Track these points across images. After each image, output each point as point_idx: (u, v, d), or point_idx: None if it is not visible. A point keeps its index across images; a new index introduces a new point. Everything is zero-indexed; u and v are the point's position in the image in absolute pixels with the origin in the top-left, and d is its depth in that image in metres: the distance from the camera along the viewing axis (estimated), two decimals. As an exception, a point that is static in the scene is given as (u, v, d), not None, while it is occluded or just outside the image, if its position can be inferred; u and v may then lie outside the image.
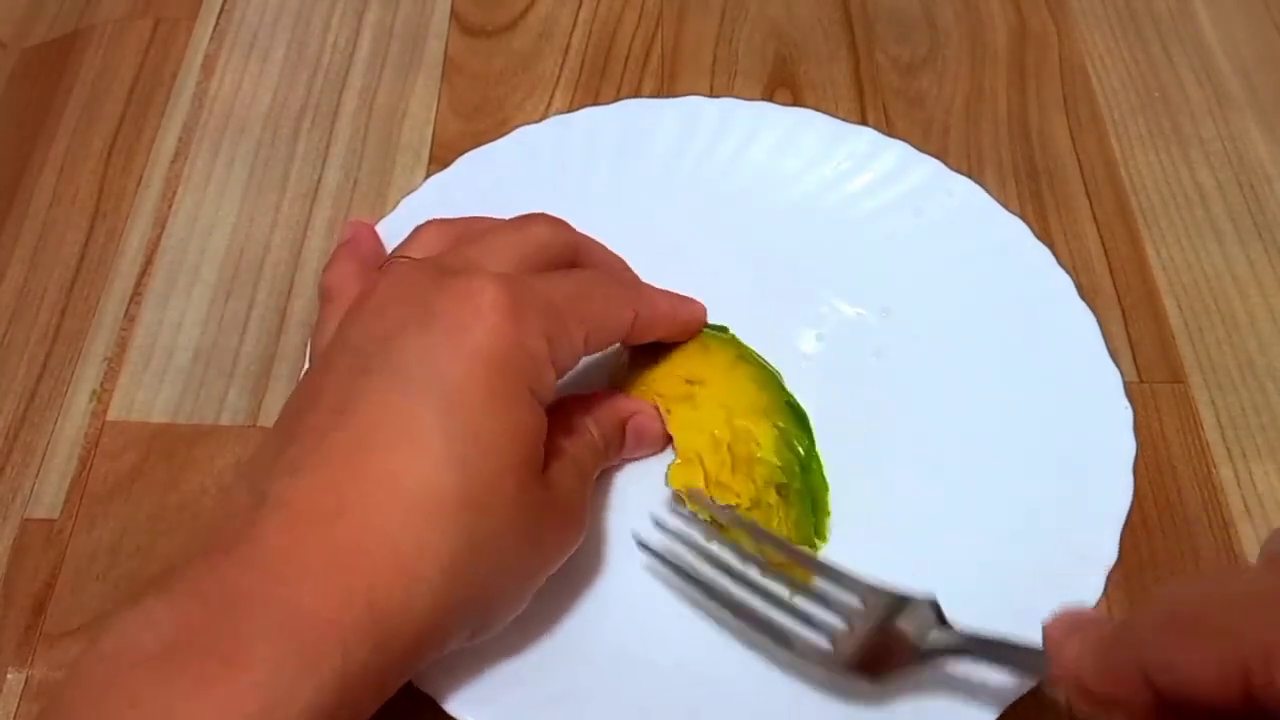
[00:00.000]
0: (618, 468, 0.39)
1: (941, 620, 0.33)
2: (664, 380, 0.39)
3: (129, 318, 0.44)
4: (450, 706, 0.33)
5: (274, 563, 0.28)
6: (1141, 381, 0.42)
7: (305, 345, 0.42)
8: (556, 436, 0.34)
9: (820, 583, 0.34)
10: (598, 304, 0.35)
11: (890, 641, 0.33)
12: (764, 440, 0.38)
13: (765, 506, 0.37)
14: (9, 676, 0.36)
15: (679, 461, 0.38)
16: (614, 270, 0.39)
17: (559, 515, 0.33)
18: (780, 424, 0.38)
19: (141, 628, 0.27)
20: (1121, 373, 0.40)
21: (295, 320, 0.44)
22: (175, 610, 0.27)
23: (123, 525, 0.39)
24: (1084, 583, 0.36)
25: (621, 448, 0.38)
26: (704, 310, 0.40)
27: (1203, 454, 0.41)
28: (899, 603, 0.33)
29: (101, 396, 0.42)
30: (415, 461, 0.29)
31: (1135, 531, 0.38)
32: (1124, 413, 0.39)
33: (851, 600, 0.34)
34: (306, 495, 0.29)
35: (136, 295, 0.44)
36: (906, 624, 0.33)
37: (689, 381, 0.39)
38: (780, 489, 0.37)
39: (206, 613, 0.27)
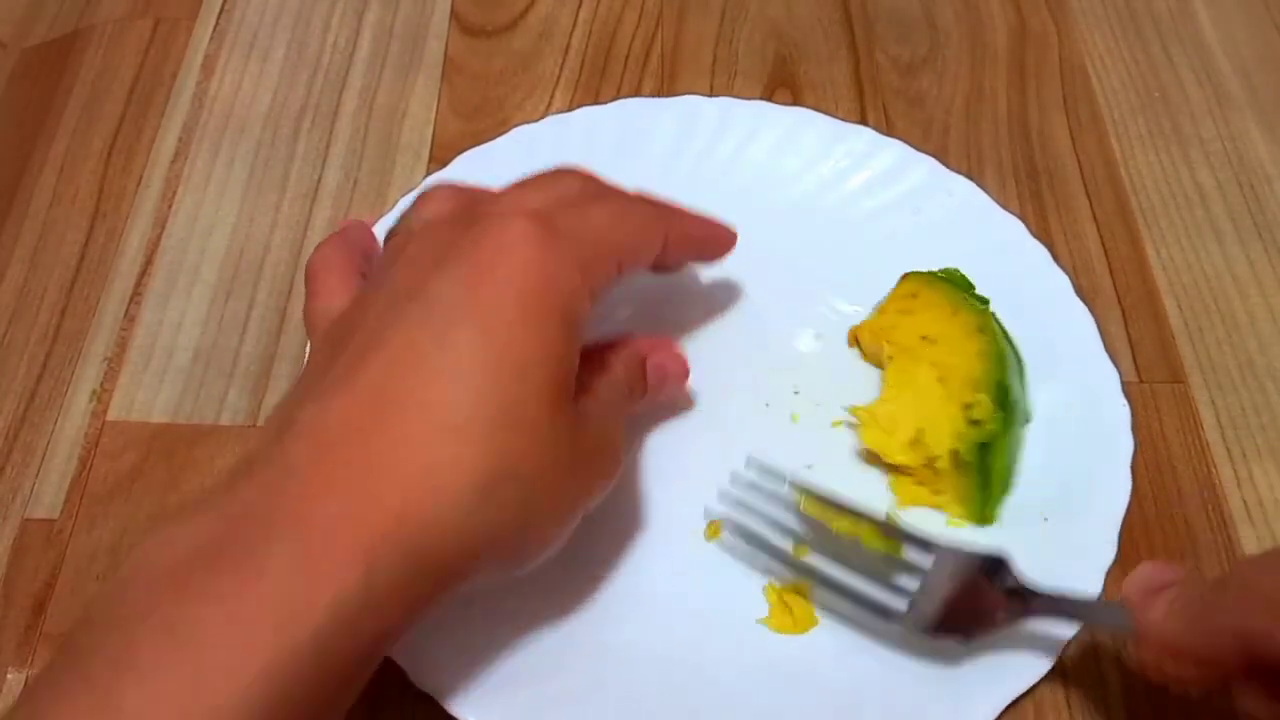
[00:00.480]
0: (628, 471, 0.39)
1: (1016, 581, 0.34)
2: (903, 330, 0.40)
3: (129, 318, 0.44)
4: (452, 707, 0.33)
5: (298, 479, 0.27)
6: (1141, 381, 0.42)
7: (305, 345, 0.42)
8: (585, 373, 0.33)
9: (899, 547, 0.35)
10: (629, 230, 0.35)
11: (969, 602, 0.34)
12: (958, 411, 0.38)
13: (936, 470, 0.38)
14: (9, 676, 0.36)
15: (872, 418, 0.39)
16: (639, 196, 0.38)
17: (592, 445, 0.32)
18: (982, 400, 0.38)
19: (161, 547, 0.27)
20: (1119, 371, 0.40)
21: (295, 320, 0.44)
22: (195, 529, 0.27)
23: (123, 525, 0.39)
24: (1084, 581, 0.36)
25: (645, 389, 0.37)
26: (734, 234, 0.39)
27: (1203, 454, 0.41)
28: (976, 563, 0.34)
29: (101, 396, 0.42)
30: (448, 382, 0.29)
31: (1135, 531, 0.38)
32: (1122, 411, 0.39)
33: (927, 563, 0.35)
34: (336, 417, 0.29)
35: (136, 295, 0.44)
36: (986, 585, 0.34)
37: (923, 338, 0.39)
38: (954, 456, 0.37)
39: (225, 528, 0.27)
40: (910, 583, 0.35)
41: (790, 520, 0.37)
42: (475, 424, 0.28)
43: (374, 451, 0.28)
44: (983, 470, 0.37)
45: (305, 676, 0.25)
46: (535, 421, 0.30)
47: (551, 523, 0.32)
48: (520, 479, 0.29)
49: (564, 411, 0.31)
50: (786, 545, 0.37)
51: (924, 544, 0.35)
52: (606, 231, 0.34)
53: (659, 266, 0.37)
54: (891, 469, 0.39)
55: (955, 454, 0.37)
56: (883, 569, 0.35)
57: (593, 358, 0.35)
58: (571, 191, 0.35)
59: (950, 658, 0.35)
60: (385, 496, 0.27)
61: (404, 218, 0.36)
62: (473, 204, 0.35)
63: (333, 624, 0.26)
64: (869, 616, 0.35)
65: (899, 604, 0.35)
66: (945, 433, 0.37)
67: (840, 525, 0.36)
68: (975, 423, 0.37)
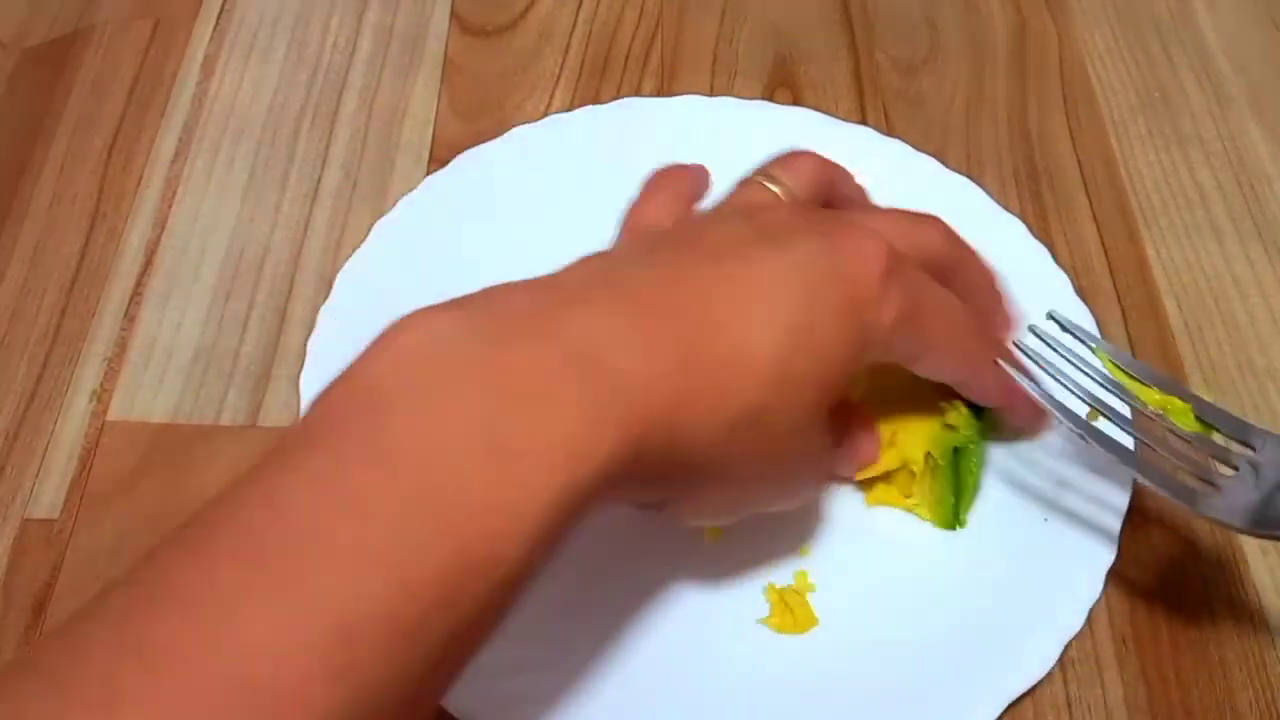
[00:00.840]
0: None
1: None
2: None
3: (129, 318, 0.44)
4: (450, 704, 0.33)
5: (598, 326, 0.27)
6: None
7: (305, 345, 0.41)
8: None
9: (1211, 428, 0.33)
10: (957, 338, 0.34)
11: None
12: (934, 416, 0.38)
13: (910, 473, 0.38)
14: (9, 676, 0.36)
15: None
16: (982, 330, 0.36)
17: (812, 457, 0.33)
18: (958, 405, 0.38)
19: (452, 330, 0.26)
20: (1121, 372, 0.40)
21: (295, 320, 0.43)
22: (480, 323, 0.26)
23: (123, 525, 0.39)
24: (1084, 582, 0.36)
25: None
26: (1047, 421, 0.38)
27: (1202, 454, 0.41)
28: None
29: (101, 396, 0.42)
30: (757, 326, 0.29)
31: (1135, 531, 0.38)
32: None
33: (1245, 449, 0.32)
34: (646, 287, 0.29)
35: (136, 295, 0.44)
36: None
37: None
38: (928, 460, 0.37)
39: (519, 336, 0.26)
40: (1221, 469, 0.32)
41: (1088, 384, 0.35)
42: (762, 369, 0.29)
43: (675, 326, 0.28)
44: (955, 475, 0.37)
45: (571, 515, 0.25)
46: (804, 398, 0.30)
47: (734, 489, 0.32)
48: (750, 438, 0.30)
49: (815, 413, 0.31)
50: (1079, 409, 0.35)
51: (1245, 429, 0.33)
52: (939, 315, 0.33)
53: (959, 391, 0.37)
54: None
55: (929, 458, 0.37)
56: (1196, 449, 0.33)
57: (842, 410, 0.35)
58: (934, 245, 0.35)
59: (950, 656, 0.35)
60: (676, 380, 0.27)
61: (764, 169, 0.36)
62: (835, 192, 0.37)
63: (598, 478, 0.26)
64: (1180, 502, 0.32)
65: (1209, 489, 0.32)
66: (920, 437, 0.37)
67: (1149, 397, 0.35)
68: (950, 428, 0.37)
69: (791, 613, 0.36)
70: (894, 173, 0.45)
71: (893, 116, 0.50)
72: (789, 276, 0.30)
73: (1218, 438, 0.33)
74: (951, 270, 0.36)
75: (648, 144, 0.46)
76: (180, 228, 0.46)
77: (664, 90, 0.51)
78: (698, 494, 0.31)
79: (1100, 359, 0.35)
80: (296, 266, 0.45)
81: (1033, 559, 0.36)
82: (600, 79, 0.51)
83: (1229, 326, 0.44)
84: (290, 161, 0.48)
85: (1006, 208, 0.45)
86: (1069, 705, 0.35)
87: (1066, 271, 0.43)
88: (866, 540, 0.38)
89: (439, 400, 0.25)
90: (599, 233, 0.42)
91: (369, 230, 0.44)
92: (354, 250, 0.43)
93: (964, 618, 0.36)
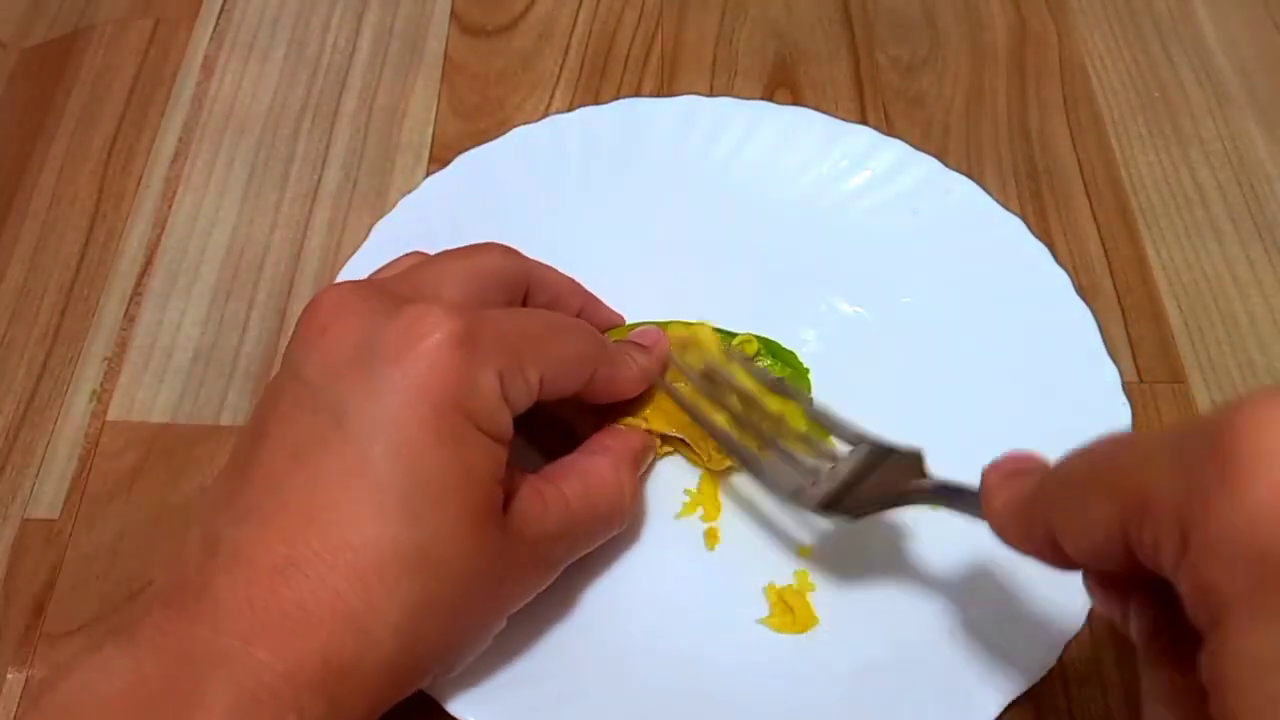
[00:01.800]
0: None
1: (922, 472, 0.34)
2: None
3: (129, 318, 0.44)
4: (452, 707, 0.33)
5: (228, 618, 0.27)
6: (1141, 381, 0.42)
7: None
8: (554, 481, 0.33)
9: (815, 426, 0.37)
10: (558, 347, 0.33)
11: (868, 485, 0.34)
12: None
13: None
14: (9, 676, 0.36)
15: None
16: (577, 322, 0.37)
17: (522, 559, 0.32)
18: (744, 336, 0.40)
19: (101, 676, 0.27)
20: (1119, 371, 0.40)
21: (295, 320, 0.43)
22: (133, 661, 0.27)
23: (123, 525, 0.39)
24: (1082, 580, 0.36)
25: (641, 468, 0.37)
26: (650, 379, 0.38)
27: (1202, 454, 0.41)
28: (886, 451, 0.34)
29: (101, 396, 0.42)
30: (366, 515, 0.28)
31: (1135, 531, 0.38)
32: (1122, 410, 0.39)
33: (840, 445, 0.35)
34: (259, 547, 0.28)
35: (136, 295, 0.44)
36: (889, 471, 0.34)
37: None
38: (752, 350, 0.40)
39: (163, 666, 0.27)
40: (823, 465, 0.35)
41: (725, 394, 0.37)
42: (393, 562, 0.28)
43: (295, 591, 0.28)
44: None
45: None
46: (456, 552, 0.29)
47: (476, 639, 0.32)
48: (442, 608, 0.29)
49: (486, 534, 0.30)
50: (717, 417, 0.37)
51: (844, 431, 0.35)
52: (534, 340, 0.32)
53: (585, 397, 0.36)
54: None
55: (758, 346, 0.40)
56: (802, 450, 0.36)
57: (574, 464, 0.35)
58: (493, 269, 0.34)
59: (950, 656, 0.35)
60: (310, 641, 0.27)
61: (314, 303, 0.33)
62: (388, 287, 0.33)
63: None
64: (774, 489, 0.36)
65: (802, 480, 0.35)
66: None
67: (772, 403, 0.37)
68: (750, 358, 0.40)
69: (791, 613, 0.36)
70: (894, 173, 0.45)
71: (893, 116, 0.50)
72: (364, 453, 0.29)
73: (834, 440, 0.36)
74: (526, 283, 0.36)
75: (648, 144, 0.47)
76: (180, 228, 0.46)
77: (664, 90, 0.51)
78: (437, 673, 0.31)
79: (733, 371, 0.38)
80: (296, 266, 0.45)
81: (1033, 559, 0.36)
82: (600, 79, 0.51)
83: (1229, 326, 0.44)
84: (290, 161, 0.48)
85: (1006, 207, 0.45)
86: (1069, 705, 0.35)
87: (1066, 271, 0.43)
88: (867, 540, 0.38)
89: None
90: (599, 233, 0.42)
91: (369, 230, 0.44)
92: (354, 250, 0.43)
93: (964, 617, 0.36)
